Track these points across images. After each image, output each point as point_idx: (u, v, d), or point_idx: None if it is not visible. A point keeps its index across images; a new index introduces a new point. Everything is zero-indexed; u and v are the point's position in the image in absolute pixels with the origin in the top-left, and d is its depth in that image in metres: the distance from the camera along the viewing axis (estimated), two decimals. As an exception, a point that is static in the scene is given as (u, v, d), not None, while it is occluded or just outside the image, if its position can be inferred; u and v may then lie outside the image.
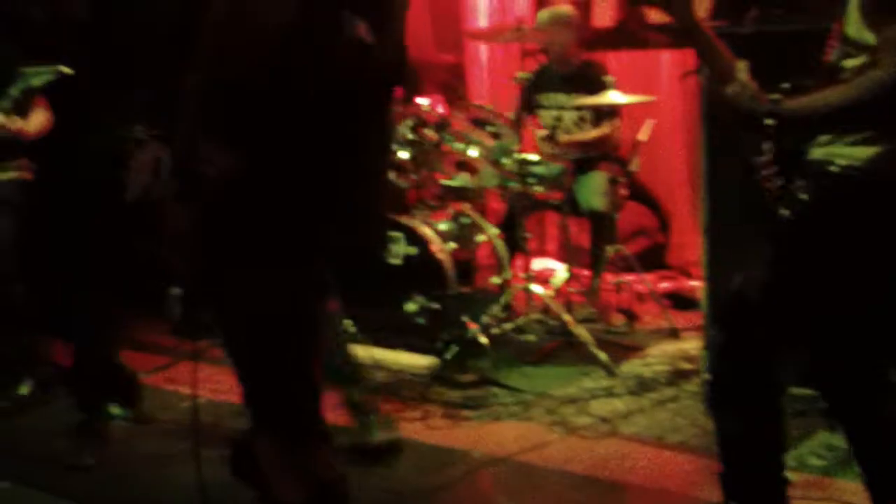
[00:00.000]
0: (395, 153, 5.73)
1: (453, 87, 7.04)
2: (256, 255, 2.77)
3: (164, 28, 4.95)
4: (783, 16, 4.44)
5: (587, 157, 6.30)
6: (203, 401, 4.83)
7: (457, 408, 4.97)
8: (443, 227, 5.86)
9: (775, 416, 3.23)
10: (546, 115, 6.48)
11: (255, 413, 2.98)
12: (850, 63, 2.97)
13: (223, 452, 3.39)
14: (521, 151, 5.68)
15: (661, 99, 7.07)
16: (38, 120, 5.26)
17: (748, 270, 3.20)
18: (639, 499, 4.17)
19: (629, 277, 6.29)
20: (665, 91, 7.19)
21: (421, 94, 6.14)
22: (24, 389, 5.21)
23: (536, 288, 5.76)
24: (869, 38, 2.90)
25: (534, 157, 5.83)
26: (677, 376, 5.26)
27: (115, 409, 4.86)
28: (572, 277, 6.05)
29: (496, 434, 4.67)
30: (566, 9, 6.62)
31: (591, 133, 6.38)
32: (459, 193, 6.17)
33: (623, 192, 6.26)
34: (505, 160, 5.73)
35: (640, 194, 7.20)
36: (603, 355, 5.36)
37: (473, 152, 5.77)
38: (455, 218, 5.99)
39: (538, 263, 7.08)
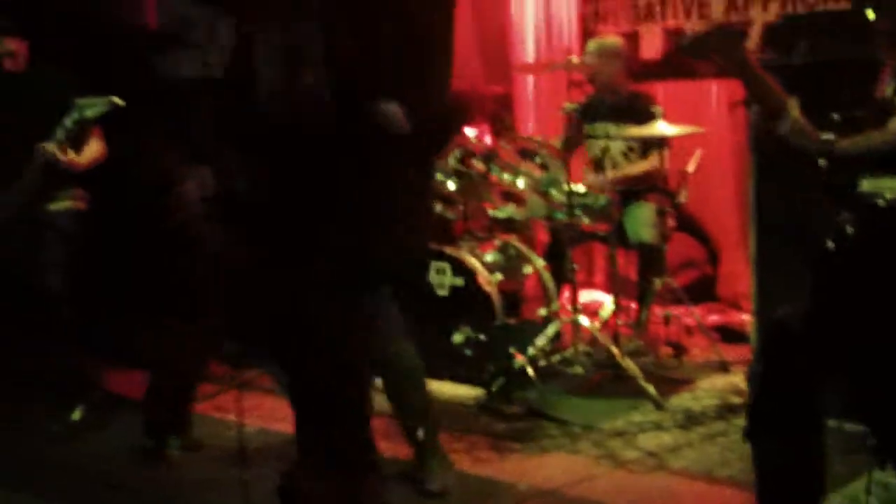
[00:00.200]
0: (442, 184, 5.74)
1: (501, 118, 7.05)
2: (304, 279, 2.78)
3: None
4: (832, 47, 4.42)
5: (635, 189, 6.28)
6: (252, 429, 4.86)
7: (503, 439, 4.95)
8: (490, 258, 5.86)
9: (815, 449, 3.20)
10: (593, 145, 6.47)
11: (305, 441, 2.99)
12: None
13: (272, 480, 3.40)
14: (568, 182, 5.66)
15: (710, 130, 7.03)
16: (91, 151, 5.33)
17: (792, 301, 3.17)
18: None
19: (677, 310, 6.25)
20: (713, 122, 7.16)
21: (469, 126, 6.15)
22: (77, 415, 5.26)
23: (584, 320, 5.73)
24: None
25: (581, 188, 5.82)
26: (726, 410, 5.20)
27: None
28: (620, 309, 6.02)
29: (543, 466, 4.64)
30: (614, 40, 6.61)
31: (640, 166, 6.36)
32: (507, 224, 6.17)
33: (671, 223, 6.23)
34: (552, 191, 5.72)
35: (689, 226, 7.17)
36: (651, 388, 5.32)
37: (521, 183, 5.76)
38: (502, 249, 5.98)
39: (586, 295, 7.05)
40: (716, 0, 6.90)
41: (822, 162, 2.99)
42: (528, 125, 7.75)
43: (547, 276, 5.96)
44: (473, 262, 5.69)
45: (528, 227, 6.53)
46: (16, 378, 5.59)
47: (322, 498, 2.99)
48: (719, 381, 5.68)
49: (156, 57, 7.25)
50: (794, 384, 3.14)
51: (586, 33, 7.42)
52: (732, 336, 6.38)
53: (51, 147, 5.05)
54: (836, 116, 3.06)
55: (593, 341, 5.80)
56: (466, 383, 5.55)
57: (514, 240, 6.06)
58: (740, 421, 4.93)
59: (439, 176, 5.73)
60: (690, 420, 5.11)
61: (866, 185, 3.00)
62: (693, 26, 6.81)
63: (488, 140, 5.90)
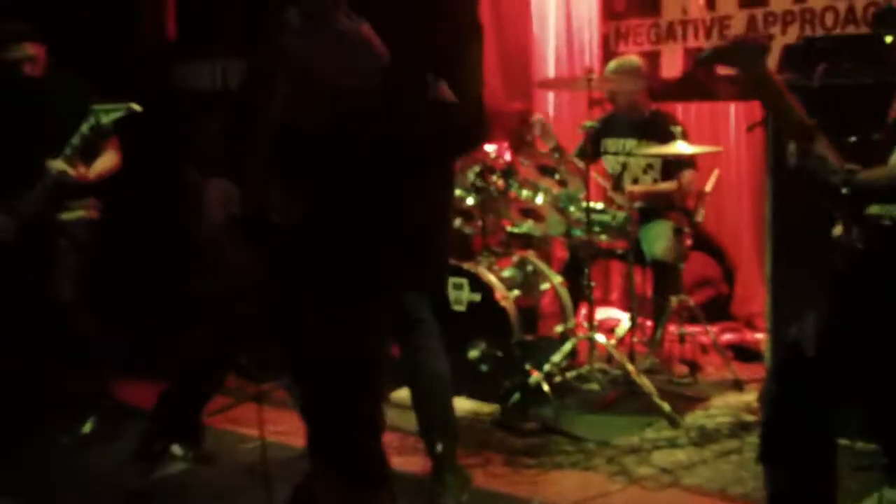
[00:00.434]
0: (461, 200, 5.77)
1: (522, 134, 7.08)
2: (325, 299, 2.80)
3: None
4: (851, 69, 4.44)
5: (653, 207, 6.30)
6: (266, 442, 4.88)
7: (518, 455, 4.96)
8: (507, 274, 5.88)
9: (827, 473, 3.20)
10: (612, 161, 6.50)
11: (318, 454, 3.01)
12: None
13: (284, 494, 3.41)
14: (587, 199, 5.68)
15: (728, 149, 7.08)
16: (104, 163, 5.31)
17: (804, 321, 3.18)
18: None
19: (693, 328, 6.26)
20: (731, 142, 7.19)
21: (489, 141, 6.18)
22: (88, 427, 5.25)
23: (600, 337, 5.74)
24: None
25: (600, 205, 5.84)
26: (741, 428, 5.21)
27: (177, 449, 4.83)
28: (636, 327, 6.04)
29: (557, 483, 4.66)
30: (634, 59, 6.65)
31: (666, 184, 6.39)
32: (525, 240, 6.19)
33: (688, 241, 6.25)
34: (571, 208, 5.74)
35: (706, 244, 7.19)
36: (666, 406, 5.33)
37: (539, 199, 5.79)
38: (520, 265, 6.01)
39: (602, 312, 7.07)
40: (737, 22, 6.93)
41: (844, 190, 2.98)
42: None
43: (564, 293, 5.98)
44: (491, 277, 5.71)
45: (545, 243, 6.55)
46: (26, 390, 5.59)
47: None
48: (733, 399, 5.69)
49: (175, 67, 7.32)
50: (808, 406, 3.14)
51: (607, 52, 7.45)
52: (747, 355, 6.40)
53: (60, 165, 5.06)
54: (852, 138, 3.07)
55: (609, 358, 5.82)
56: (482, 399, 5.56)
57: (531, 256, 6.08)
58: (754, 439, 4.98)
59: (458, 191, 5.76)
60: (704, 437, 5.11)
61: (874, 208, 3.02)
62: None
63: (507, 156, 5.92)
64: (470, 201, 5.82)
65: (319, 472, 3.05)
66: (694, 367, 6.14)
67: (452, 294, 5.74)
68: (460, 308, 5.72)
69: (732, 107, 7.19)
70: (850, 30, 6.25)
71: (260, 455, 3.80)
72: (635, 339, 6.01)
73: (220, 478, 4.75)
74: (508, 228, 6.07)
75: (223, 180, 2.94)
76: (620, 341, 5.97)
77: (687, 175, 6.35)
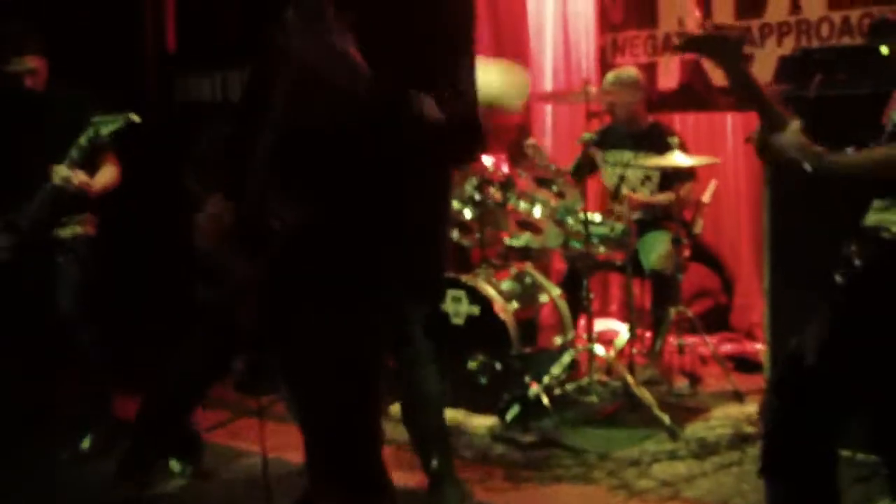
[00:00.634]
0: (459, 212, 5.77)
1: (519, 146, 7.09)
2: (323, 303, 2.79)
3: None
4: (847, 80, 4.44)
5: (651, 218, 6.31)
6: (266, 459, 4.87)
7: (518, 468, 4.95)
8: (506, 286, 5.88)
9: (828, 484, 3.19)
10: (610, 172, 6.50)
11: (317, 465, 3.00)
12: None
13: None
14: (585, 211, 5.68)
15: (726, 161, 7.08)
16: (104, 177, 5.30)
17: (804, 333, 3.18)
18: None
19: (692, 339, 6.26)
20: (729, 153, 7.20)
21: (486, 153, 6.18)
22: (87, 443, 5.22)
23: (599, 349, 5.74)
24: None
25: (598, 216, 5.84)
26: (741, 440, 5.19)
27: (175, 465, 4.83)
28: (635, 338, 6.04)
29: (557, 496, 4.65)
30: (632, 71, 6.66)
31: (664, 196, 6.40)
32: (523, 253, 6.19)
33: (686, 252, 6.25)
34: (569, 220, 5.74)
35: (704, 255, 7.18)
36: (666, 417, 5.32)
37: (537, 212, 5.79)
38: (518, 277, 6.01)
39: (601, 324, 7.06)
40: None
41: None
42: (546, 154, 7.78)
43: (563, 305, 5.98)
44: (489, 290, 5.71)
45: (544, 255, 6.55)
46: (26, 405, 5.59)
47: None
48: (733, 411, 5.68)
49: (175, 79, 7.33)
50: (809, 418, 3.13)
51: (604, 64, 7.46)
52: (746, 366, 6.39)
53: (64, 171, 5.05)
54: (849, 149, 3.08)
55: (608, 370, 5.82)
56: (481, 412, 5.55)
57: (530, 268, 6.08)
58: (754, 450, 4.97)
59: (456, 204, 5.76)
60: (705, 449, 5.10)
61: (871, 218, 3.03)
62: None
63: (505, 168, 5.92)
64: (468, 214, 5.82)
65: (318, 484, 3.04)
66: (694, 379, 6.14)
67: (451, 307, 5.74)
68: (459, 321, 5.72)
69: (730, 118, 7.19)
70: (846, 41, 6.25)
71: (261, 470, 3.79)
72: (635, 351, 6.00)
73: (220, 493, 4.74)
74: (507, 241, 6.06)
75: (219, 199, 2.94)
76: (620, 353, 5.97)
77: (685, 186, 6.36)
